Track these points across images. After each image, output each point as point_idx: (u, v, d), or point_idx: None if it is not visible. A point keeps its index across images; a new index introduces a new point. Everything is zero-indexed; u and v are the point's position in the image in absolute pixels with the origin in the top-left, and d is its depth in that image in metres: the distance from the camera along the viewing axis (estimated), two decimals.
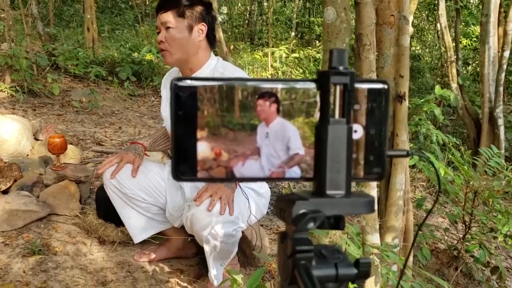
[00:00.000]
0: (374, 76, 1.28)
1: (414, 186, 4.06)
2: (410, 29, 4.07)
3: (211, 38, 2.03)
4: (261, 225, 2.81)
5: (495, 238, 2.90)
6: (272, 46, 9.60)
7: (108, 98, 5.78)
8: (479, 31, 5.33)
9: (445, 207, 3.44)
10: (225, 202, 1.91)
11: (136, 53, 7.48)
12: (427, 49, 13.29)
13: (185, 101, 0.46)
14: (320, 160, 0.47)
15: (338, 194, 0.47)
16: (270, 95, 0.47)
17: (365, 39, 1.26)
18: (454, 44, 5.51)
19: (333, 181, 0.47)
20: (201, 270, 2.41)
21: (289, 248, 0.47)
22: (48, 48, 6.10)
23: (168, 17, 1.92)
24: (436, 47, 11.40)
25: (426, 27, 13.82)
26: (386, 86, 0.49)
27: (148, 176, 2.25)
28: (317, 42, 12.92)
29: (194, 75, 2.04)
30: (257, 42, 14.01)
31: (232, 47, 11.89)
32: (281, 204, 0.48)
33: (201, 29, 1.96)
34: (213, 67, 2.05)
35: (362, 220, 1.37)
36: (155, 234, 2.42)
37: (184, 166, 0.47)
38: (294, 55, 9.03)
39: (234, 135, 0.48)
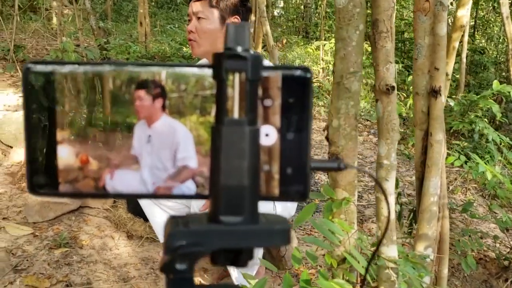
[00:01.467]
0: (391, 67, 1.13)
1: (466, 188, 3.78)
2: (465, 19, 3.76)
3: None
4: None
5: None
6: (325, 39, 9.35)
7: None
8: None
9: (496, 213, 3.15)
10: None
11: (186, 48, 7.53)
12: (492, 42, 12.48)
13: (41, 92, 0.36)
14: (214, 173, 0.35)
15: (236, 220, 0.35)
16: (153, 85, 0.36)
17: (382, 25, 1.10)
18: None
19: (230, 203, 0.35)
20: (226, 270, 2.33)
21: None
22: (100, 42, 6.24)
23: (201, 6, 1.83)
24: (501, 40, 10.68)
25: (492, 19, 13.02)
26: (307, 74, 0.36)
27: None
28: None
29: None
30: (312, 35, 13.79)
31: (285, 41, 11.75)
32: (164, 230, 0.37)
33: (234, 22, 1.88)
34: None
35: (378, 230, 1.22)
36: None
37: (41, 176, 0.37)
38: None
39: (105, 138, 0.37)
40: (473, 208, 3.46)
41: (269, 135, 0.36)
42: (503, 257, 2.64)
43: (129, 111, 0.36)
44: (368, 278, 1.17)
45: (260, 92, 0.36)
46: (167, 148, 0.37)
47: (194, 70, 0.36)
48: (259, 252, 2.07)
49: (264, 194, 0.37)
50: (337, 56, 1.15)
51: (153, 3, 14.67)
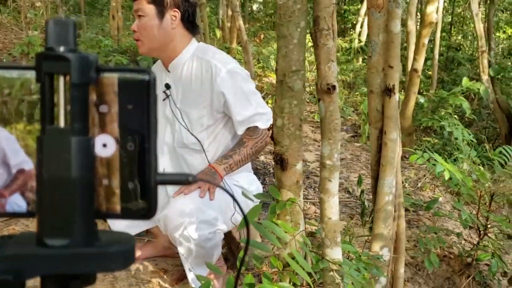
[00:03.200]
0: (333, 66, 1.10)
1: (434, 185, 3.80)
2: (434, 16, 3.78)
3: (188, 25, 1.90)
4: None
5: None
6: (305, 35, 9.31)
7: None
8: None
9: (460, 211, 3.17)
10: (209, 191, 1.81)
11: None
12: (468, 40, 12.63)
13: None
14: (38, 189, 0.31)
15: (61, 243, 0.31)
16: None
17: (323, 22, 1.07)
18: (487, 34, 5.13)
19: (55, 223, 0.30)
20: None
21: None
22: None
23: (140, 4, 1.83)
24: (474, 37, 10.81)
25: (468, 16, 13.17)
26: (148, 77, 0.32)
27: None
28: (352, 31, 12.53)
29: (173, 62, 1.92)
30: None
31: (262, 36, 11.69)
32: None
33: (174, 15, 1.85)
34: (193, 52, 1.93)
35: (321, 232, 1.19)
36: (141, 232, 2.34)
37: None
38: None
39: None
40: (441, 205, 3.49)
41: (107, 146, 0.32)
42: (466, 254, 2.65)
43: None
44: (311, 281, 1.14)
45: (93, 97, 0.32)
46: None
47: (17, 72, 0.32)
48: (217, 253, 2.04)
49: (104, 211, 0.33)
50: (279, 54, 1.12)
51: None
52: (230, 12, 7.63)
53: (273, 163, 3.80)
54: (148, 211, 0.33)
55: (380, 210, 1.69)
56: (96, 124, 0.32)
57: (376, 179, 1.73)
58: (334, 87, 1.10)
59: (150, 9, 1.80)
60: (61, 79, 0.30)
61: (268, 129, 1.69)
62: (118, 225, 2.22)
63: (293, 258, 1.14)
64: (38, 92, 0.32)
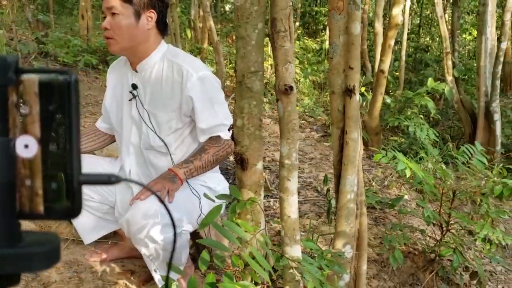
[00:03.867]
0: (290, 67, 1.12)
1: (401, 183, 3.88)
2: (400, 18, 3.86)
3: (161, 26, 1.89)
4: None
5: (476, 240, 2.73)
6: (301, 40, 9.40)
7: (94, 88, 5.66)
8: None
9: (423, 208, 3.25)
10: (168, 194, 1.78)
11: None
12: (436, 41, 12.92)
13: None
14: None
15: None
16: None
17: (279, 24, 1.09)
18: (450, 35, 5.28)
19: None
20: None
21: None
22: (37, 36, 5.99)
23: (114, 2, 1.78)
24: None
25: (436, 18, 13.46)
26: (68, 78, 0.33)
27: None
28: (323, 32, 12.66)
29: (142, 63, 1.90)
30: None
31: (234, 36, 11.70)
32: None
33: (150, 16, 1.83)
34: (163, 54, 1.91)
35: (282, 230, 1.21)
36: (107, 234, 2.31)
37: None
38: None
39: None
40: (406, 203, 3.57)
41: (28, 147, 0.33)
42: (430, 251, 2.72)
43: None
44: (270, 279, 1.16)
45: (14, 98, 0.32)
46: None
47: None
48: (185, 253, 2.04)
49: (28, 211, 0.33)
50: (238, 55, 1.13)
51: None
52: (201, 13, 7.62)
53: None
54: (72, 210, 0.34)
55: (343, 208, 1.72)
56: (17, 125, 0.32)
57: (338, 177, 1.76)
58: (291, 87, 1.12)
59: (126, 8, 1.76)
60: None
61: (228, 129, 1.69)
62: (83, 227, 2.20)
63: (253, 257, 1.16)
64: None
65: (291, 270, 1.17)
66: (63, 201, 0.34)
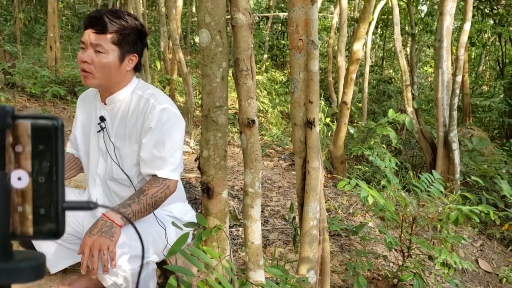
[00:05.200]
0: (253, 102, 1.21)
1: (365, 211, 3.99)
2: (361, 53, 4.05)
3: (138, 66, 1.95)
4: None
5: (436, 265, 2.83)
6: (266, 73, 9.60)
7: (62, 118, 5.64)
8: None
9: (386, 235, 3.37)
10: (106, 257, 1.67)
11: None
12: (398, 74, 13.44)
13: None
14: None
15: None
16: None
17: (242, 64, 1.18)
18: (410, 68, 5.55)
19: None
20: None
21: None
22: (3, 67, 5.95)
23: (101, 40, 1.79)
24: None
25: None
26: (55, 123, 0.40)
27: None
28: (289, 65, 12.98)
29: (112, 96, 1.95)
30: (231, 63, 14.03)
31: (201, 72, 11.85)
32: None
33: (131, 59, 1.88)
34: (133, 89, 1.97)
35: (246, 256, 1.27)
36: (75, 266, 2.31)
37: None
38: (259, 77, 9.02)
39: None
40: (371, 230, 3.67)
41: (21, 179, 0.39)
42: (392, 276, 2.81)
43: None
44: None
45: (10, 139, 0.39)
46: None
47: None
48: (153, 283, 2.06)
49: (19, 233, 0.40)
50: (203, 91, 1.21)
51: (68, 27, 14.26)
52: (171, 44, 7.73)
53: None
54: (57, 232, 0.40)
55: (306, 234, 1.79)
56: (12, 161, 0.39)
57: (302, 205, 1.84)
58: (253, 121, 1.21)
59: (113, 49, 1.79)
60: None
61: (195, 160, 1.73)
62: (50, 256, 2.20)
63: (219, 283, 1.21)
64: None
65: None
66: (49, 224, 0.40)
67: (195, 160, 1.66)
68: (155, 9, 15.77)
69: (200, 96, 8.23)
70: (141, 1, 8.38)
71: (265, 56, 11.73)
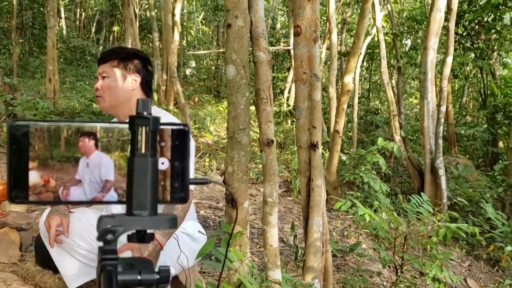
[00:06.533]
0: (271, 125, 1.44)
1: (359, 233, 4.20)
2: (351, 85, 4.34)
3: (146, 89, 2.19)
4: (202, 272, 2.85)
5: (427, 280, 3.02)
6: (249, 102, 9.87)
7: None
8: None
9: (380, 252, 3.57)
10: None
11: (95, 104, 7.60)
12: (385, 105, 13.87)
13: (19, 138, 0.58)
14: (129, 187, 0.59)
15: (143, 213, 0.58)
16: (90, 134, 0.60)
17: (262, 93, 1.42)
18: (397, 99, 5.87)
19: (139, 203, 0.58)
20: None
21: (98, 255, 0.58)
22: (6, 98, 6.14)
23: (106, 67, 2.11)
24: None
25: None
26: (186, 128, 0.62)
27: (84, 223, 2.29)
28: (281, 96, 13.35)
29: (126, 118, 2.18)
30: (223, 94, 14.37)
31: (196, 99, 12.16)
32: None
33: (134, 79, 2.13)
34: None
35: (265, 257, 1.47)
36: (92, 280, 2.45)
37: (17, 191, 0.58)
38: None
39: (61, 166, 0.60)
40: (363, 250, 3.87)
41: (164, 163, 0.61)
42: None
43: (75, 149, 0.60)
44: None
45: (158, 137, 0.61)
46: (97, 169, 0.61)
47: (117, 125, 0.61)
48: None
49: (162, 199, 0.61)
50: (229, 116, 1.44)
51: (61, 60, 14.56)
52: (165, 76, 8.02)
53: (212, 216, 4.04)
54: (184, 199, 0.62)
55: (311, 246, 2.00)
56: (158, 152, 0.61)
57: (306, 219, 2.05)
58: (272, 141, 1.43)
59: (115, 72, 2.09)
60: (143, 129, 0.59)
61: (221, 175, 1.93)
62: (70, 273, 2.35)
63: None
64: (128, 135, 0.61)
65: None
66: (180, 194, 0.62)
67: (220, 175, 1.87)
68: (146, 43, 16.23)
69: (195, 125, 8.40)
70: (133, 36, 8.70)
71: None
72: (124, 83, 2.12)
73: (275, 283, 1.42)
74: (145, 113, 0.60)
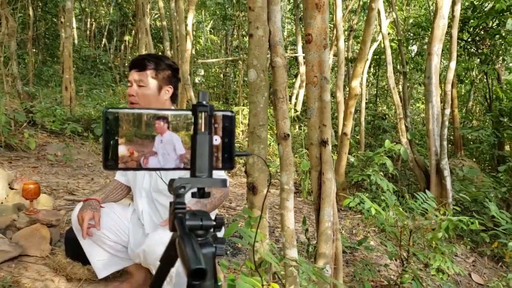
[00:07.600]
0: (287, 121, 1.64)
1: (367, 231, 4.38)
2: (358, 90, 4.55)
3: (174, 97, 2.40)
4: (218, 264, 3.05)
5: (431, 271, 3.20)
6: (243, 105, 10.11)
7: (82, 152, 6.06)
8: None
9: (386, 246, 3.75)
10: None
11: None
12: (392, 110, 14.04)
13: (112, 122, 0.80)
14: (193, 156, 0.80)
15: (203, 175, 0.79)
16: (163, 118, 0.82)
17: (279, 93, 1.62)
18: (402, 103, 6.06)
19: (200, 168, 0.80)
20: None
21: (171, 207, 0.79)
22: (26, 106, 6.41)
23: (143, 76, 2.25)
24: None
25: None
26: (232, 114, 0.84)
27: (112, 217, 2.50)
28: (288, 102, 13.59)
29: None
30: (231, 101, 14.61)
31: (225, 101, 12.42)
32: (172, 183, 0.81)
33: (167, 90, 2.32)
34: None
35: (283, 238, 1.67)
36: (118, 270, 2.65)
37: (110, 161, 0.80)
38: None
39: (142, 142, 0.81)
40: (370, 246, 4.06)
41: (216, 140, 0.82)
42: (393, 283, 3.18)
43: (152, 129, 0.81)
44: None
45: (213, 120, 0.82)
46: (169, 145, 0.82)
47: (183, 112, 0.82)
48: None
49: (215, 166, 0.82)
50: (250, 114, 1.65)
51: (74, 69, 14.90)
52: None
53: (226, 215, 4.23)
54: (232, 166, 0.83)
55: (322, 234, 2.19)
56: (213, 131, 0.82)
57: (318, 210, 2.25)
58: (288, 135, 1.64)
59: (153, 83, 2.26)
60: (203, 114, 0.81)
61: (243, 166, 2.14)
62: (99, 263, 2.56)
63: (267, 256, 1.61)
64: (191, 119, 0.82)
65: (290, 268, 1.62)
66: (228, 163, 0.83)
67: (243, 166, 2.07)
68: (157, 52, 16.59)
69: None
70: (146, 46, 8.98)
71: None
72: (159, 94, 2.31)
73: (292, 261, 1.62)
74: (204, 102, 0.81)
